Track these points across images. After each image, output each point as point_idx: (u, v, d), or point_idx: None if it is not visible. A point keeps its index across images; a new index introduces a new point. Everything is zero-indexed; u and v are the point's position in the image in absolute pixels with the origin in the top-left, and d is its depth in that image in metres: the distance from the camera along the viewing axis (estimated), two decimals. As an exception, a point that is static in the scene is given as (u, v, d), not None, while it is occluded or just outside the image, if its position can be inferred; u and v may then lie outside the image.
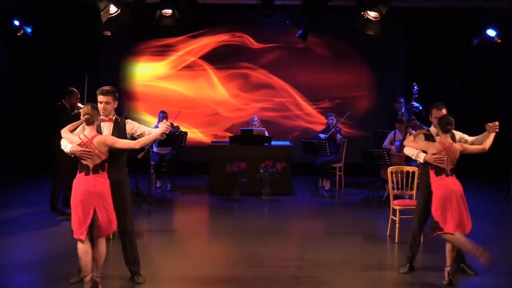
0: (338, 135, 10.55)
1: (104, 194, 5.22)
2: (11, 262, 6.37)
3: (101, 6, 7.08)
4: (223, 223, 8.31)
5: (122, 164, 5.52)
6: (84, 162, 5.22)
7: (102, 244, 5.28)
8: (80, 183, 5.22)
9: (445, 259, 5.73)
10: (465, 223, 5.68)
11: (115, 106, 5.50)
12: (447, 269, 5.70)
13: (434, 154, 5.70)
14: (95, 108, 5.32)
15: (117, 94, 5.51)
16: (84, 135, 5.25)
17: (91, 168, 5.20)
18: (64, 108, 8.15)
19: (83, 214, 5.15)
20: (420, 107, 10.58)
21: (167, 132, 5.35)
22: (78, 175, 5.26)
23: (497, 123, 5.93)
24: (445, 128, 5.73)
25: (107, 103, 5.39)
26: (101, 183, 5.22)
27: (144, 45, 12.23)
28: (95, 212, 5.14)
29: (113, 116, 5.49)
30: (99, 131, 5.39)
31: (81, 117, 5.29)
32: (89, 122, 5.25)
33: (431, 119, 6.08)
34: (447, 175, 5.71)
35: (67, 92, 8.28)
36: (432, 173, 5.77)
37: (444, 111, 5.97)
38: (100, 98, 5.40)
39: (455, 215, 5.61)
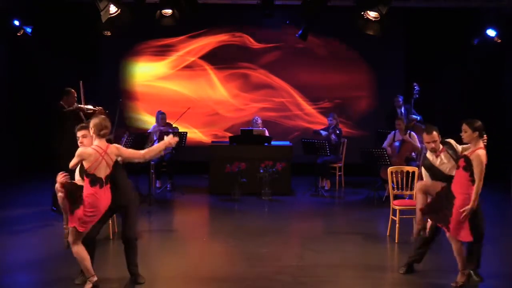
0: (333, 136, 10.47)
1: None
2: (11, 262, 6.37)
3: (101, 6, 7.08)
4: (223, 223, 8.31)
5: (124, 189, 5.50)
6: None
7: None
8: None
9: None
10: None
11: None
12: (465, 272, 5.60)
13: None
14: (106, 120, 5.31)
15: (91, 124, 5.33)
16: (98, 146, 5.21)
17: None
18: (62, 109, 8.15)
19: None
20: (419, 118, 10.55)
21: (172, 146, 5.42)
22: None
23: (485, 136, 5.66)
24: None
25: (83, 136, 5.37)
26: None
27: (144, 45, 12.22)
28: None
29: None
30: None
31: (92, 132, 5.19)
32: (105, 136, 5.24)
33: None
34: None
35: (65, 93, 8.28)
36: None
37: (434, 134, 5.68)
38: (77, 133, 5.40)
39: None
